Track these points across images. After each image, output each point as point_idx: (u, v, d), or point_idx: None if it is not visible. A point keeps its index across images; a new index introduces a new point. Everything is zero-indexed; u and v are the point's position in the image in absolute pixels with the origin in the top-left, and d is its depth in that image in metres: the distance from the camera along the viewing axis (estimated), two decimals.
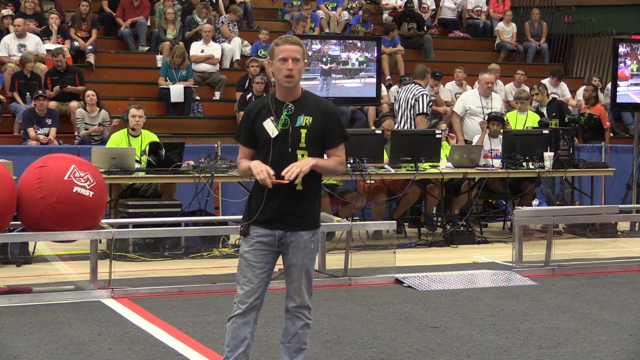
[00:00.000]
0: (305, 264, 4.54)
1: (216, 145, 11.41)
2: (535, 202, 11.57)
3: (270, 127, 4.45)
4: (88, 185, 7.17)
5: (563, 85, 15.18)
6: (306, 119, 4.48)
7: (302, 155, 4.46)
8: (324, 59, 10.13)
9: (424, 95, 11.20)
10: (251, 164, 4.44)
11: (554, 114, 12.02)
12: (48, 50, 13.65)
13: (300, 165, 4.37)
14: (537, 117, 12.18)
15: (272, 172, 4.37)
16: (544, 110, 12.57)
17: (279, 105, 4.48)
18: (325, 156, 4.60)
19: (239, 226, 4.59)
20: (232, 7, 15.87)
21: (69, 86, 13.04)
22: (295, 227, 4.49)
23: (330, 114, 4.55)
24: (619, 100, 11.78)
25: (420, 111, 11.09)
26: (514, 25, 17.69)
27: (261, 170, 4.37)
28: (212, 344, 5.77)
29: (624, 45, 11.85)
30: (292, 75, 4.43)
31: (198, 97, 14.24)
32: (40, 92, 12.21)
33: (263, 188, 4.43)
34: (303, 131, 4.47)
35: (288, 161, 4.41)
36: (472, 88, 14.96)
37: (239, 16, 15.79)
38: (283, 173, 4.36)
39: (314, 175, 4.50)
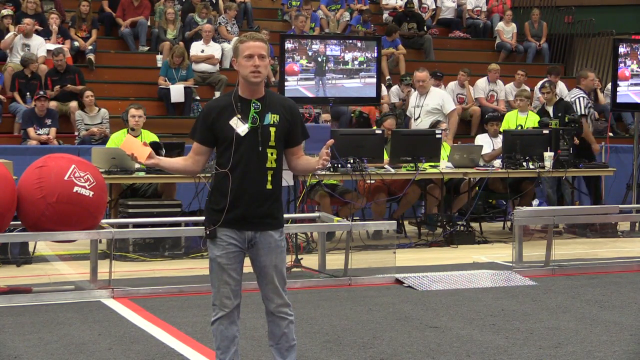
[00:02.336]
0: (277, 264, 4.52)
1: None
2: (535, 202, 11.57)
3: (238, 125, 4.41)
4: (88, 185, 7.17)
5: (561, 84, 15.17)
6: (273, 117, 4.46)
7: (272, 154, 4.44)
8: (319, 59, 10.13)
9: (580, 98, 11.93)
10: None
11: (560, 114, 11.97)
12: (48, 51, 13.65)
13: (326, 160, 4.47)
14: (537, 118, 12.17)
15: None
16: (550, 109, 12.51)
17: (244, 103, 4.45)
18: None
19: (205, 229, 4.51)
20: (227, 4, 15.86)
21: (69, 85, 13.05)
22: (266, 227, 4.47)
23: (296, 111, 4.58)
24: (619, 100, 11.76)
25: (578, 114, 11.69)
26: (514, 25, 17.68)
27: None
28: (212, 344, 5.76)
29: (624, 45, 11.84)
30: (260, 71, 4.40)
31: (198, 97, 14.24)
32: (41, 92, 12.21)
33: (227, 186, 4.38)
34: (272, 129, 4.45)
35: (258, 159, 4.39)
36: (472, 87, 15.04)
37: (236, 10, 15.75)
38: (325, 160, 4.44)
39: (280, 174, 4.51)
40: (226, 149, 4.42)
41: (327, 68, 10.18)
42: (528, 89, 14.07)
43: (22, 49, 13.49)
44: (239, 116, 4.41)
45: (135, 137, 9.98)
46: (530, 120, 12.08)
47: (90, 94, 12.25)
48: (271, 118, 4.45)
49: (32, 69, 12.96)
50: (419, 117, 11.36)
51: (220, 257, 4.47)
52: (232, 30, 15.48)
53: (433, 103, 11.49)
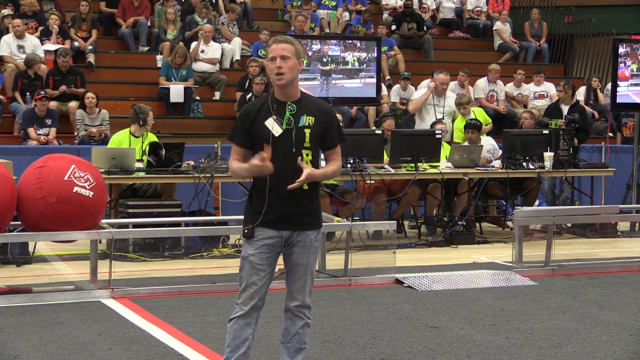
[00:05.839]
0: (310, 263, 4.56)
1: (216, 145, 11.41)
2: (535, 202, 11.56)
3: (273, 126, 4.45)
4: (88, 185, 7.17)
5: (547, 84, 15.19)
6: (309, 119, 4.51)
7: (307, 155, 4.48)
8: (324, 59, 10.14)
9: None
10: (246, 166, 4.42)
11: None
12: (49, 51, 13.64)
13: (310, 178, 4.41)
14: (481, 111, 12.25)
15: (261, 161, 4.35)
16: (565, 109, 12.45)
17: (280, 105, 4.49)
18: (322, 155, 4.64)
19: (243, 229, 4.53)
20: (230, 5, 15.88)
21: (72, 87, 13.03)
22: (303, 226, 4.51)
23: (330, 114, 4.62)
24: (619, 100, 11.77)
25: None
26: (508, 24, 17.67)
27: (258, 165, 4.35)
28: (212, 344, 5.78)
29: (624, 45, 11.84)
30: (282, 73, 4.43)
31: (198, 97, 14.24)
32: (42, 92, 12.19)
33: (265, 188, 4.43)
34: (307, 131, 4.49)
35: (292, 160, 4.42)
36: (472, 87, 15.03)
37: (238, 14, 15.78)
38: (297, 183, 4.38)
39: None
40: (261, 149, 4.46)
41: (328, 68, 10.20)
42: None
43: (17, 50, 13.48)
44: (275, 117, 4.46)
45: (137, 137, 9.99)
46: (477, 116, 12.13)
47: (92, 96, 12.20)
48: (306, 120, 4.50)
49: (35, 69, 12.94)
50: (442, 117, 11.34)
51: (253, 255, 4.47)
52: (232, 30, 15.47)
53: (453, 106, 11.67)
